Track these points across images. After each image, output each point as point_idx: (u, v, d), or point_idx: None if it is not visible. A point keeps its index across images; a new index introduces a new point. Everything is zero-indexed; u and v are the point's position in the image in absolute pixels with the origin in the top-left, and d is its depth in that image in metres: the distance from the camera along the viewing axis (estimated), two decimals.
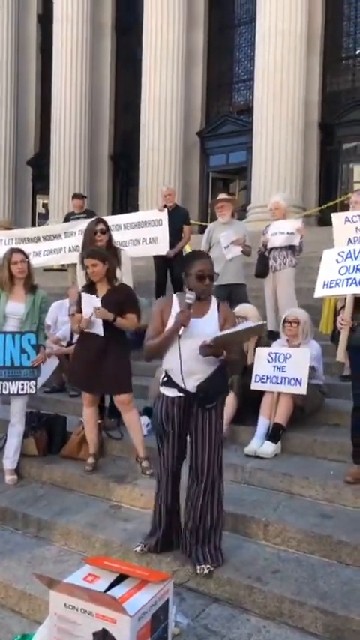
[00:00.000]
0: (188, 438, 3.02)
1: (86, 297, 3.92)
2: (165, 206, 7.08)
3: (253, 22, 12.69)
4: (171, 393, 2.98)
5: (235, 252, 5.85)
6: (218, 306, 3.05)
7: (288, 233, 5.79)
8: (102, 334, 3.87)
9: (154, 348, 3.03)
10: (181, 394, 2.95)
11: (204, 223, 11.46)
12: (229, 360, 2.99)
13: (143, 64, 13.19)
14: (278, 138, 11.13)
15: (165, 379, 3.02)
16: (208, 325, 2.93)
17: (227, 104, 14.93)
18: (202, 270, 2.94)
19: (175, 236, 6.94)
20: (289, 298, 5.78)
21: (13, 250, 4.27)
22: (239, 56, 14.82)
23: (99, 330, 3.87)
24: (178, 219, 7.03)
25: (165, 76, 12.82)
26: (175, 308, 2.99)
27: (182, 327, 2.85)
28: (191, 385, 2.93)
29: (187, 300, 2.89)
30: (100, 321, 3.85)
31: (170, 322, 2.95)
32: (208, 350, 2.84)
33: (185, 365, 2.89)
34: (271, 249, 5.87)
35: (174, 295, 3.13)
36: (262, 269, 5.97)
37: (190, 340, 2.88)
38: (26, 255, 4.27)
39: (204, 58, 14.79)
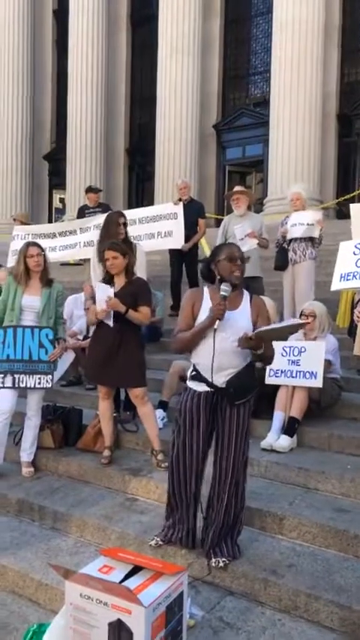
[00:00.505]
0: (215, 434, 2.98)
1: (102, 286, 3.92)
2: (180, 199, 7.06)
3: (269, 12, 12.55)
4: (199, 387, 2.94)
5: (251, 245, 5.81)
6: (251, 298, 3.00)
7: (308, 224, 5.72)
8: (111, 325, 3.86)
9: (185, 342, 2.96)
10: (209, 389, 2.91)
11: (220, 216, 11.41)
12: (265, 355, 2.91)
13: (159, 56, 13.12)
14: (295, 130, 11.02)
15: (193, 373, 2.97)
16: (241, 318, 2.88)
17: (243, 96, 14.81)
18: (231, 252, 2.92)
19: (191, 229, 6.92)
20: (307, 291, 5.73)
21: (29, 244, 4.30)
22: (256, 47, 14.68)
23: (109, 320, 3.87)
24: (193, 213, 7.01)
25: (181, 68, 12.75)
26: (207, 300, 2.95)
27: (218, 321, 2.79)
28: (221, 380, 2.88)
29: (223, 293, 2.83)
30: (110, 312, 3.85)
31: (202, 315, 2.91)
32: (248, 343, 2.77)
33: (218, 358, 2.84)
34: (290, 241, 5.82)
35: (205, 287, 3.07)
36: (282, 261, 5.92)
37: (223, 333, 2.83)
38: (42, 249, 4.29)
39: (220, 50, 14.69)
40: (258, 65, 14.62)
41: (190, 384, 2.99)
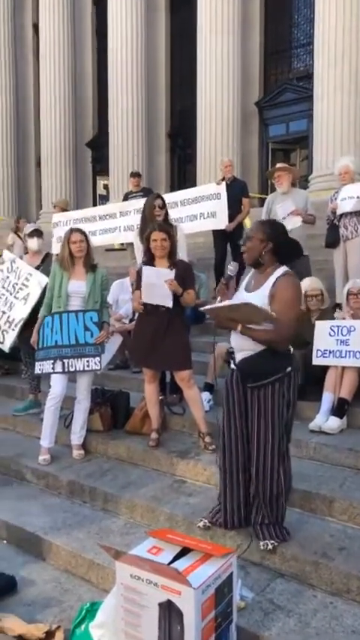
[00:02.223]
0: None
1: (153, 270, 3.88)
2: (223, 178, 6.97)
3: None
4: (232, 364, 2.98)
5: (295, 223, 5.65)
6: (278, 279, 2.85)
7: (358, 197, 5.52)
8: (170, 306, 3.85)
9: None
10: (234, 367, 2.95)
11: (264, 196, 11.20)
12: (258, 339, 2.78)
13: (198, 35, 12.89)
14: (340, 103, 10.61)
15: (230, 349, 3.02)
16: (255, 299, 2.78)
17: (286, 71, 14.40)
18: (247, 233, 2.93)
19: (235, 209, 6.82)
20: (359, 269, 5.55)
21: (72, 230, 4.35)
22: (298, 19, 14.21)
23: (169, 301, 3.85)
24: (237, 192, 6.91)
25: (221, 45, 12.47)
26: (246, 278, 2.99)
27: (218, 298, 2.84)
28: (238, 360, 2.91)
29: (228, 272, 2.85)
30: (170, 293, 3.84)
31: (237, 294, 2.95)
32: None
33: (234, 339, 2.88)
34: (341, 216, 5.63)
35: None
36: (333, 238, 5.74)
37: None
38: (86, 235, 4.33)
39: (261, 25, 14.28)
40: (300, 38, 14.16)
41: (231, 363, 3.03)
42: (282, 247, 2.90)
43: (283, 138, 14.53)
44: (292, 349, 2.95)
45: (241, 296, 2.87)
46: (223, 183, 6.84)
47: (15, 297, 5.22)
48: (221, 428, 3.02)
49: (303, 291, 4.45)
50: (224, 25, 12.46)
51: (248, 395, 2.88)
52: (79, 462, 4.25)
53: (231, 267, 2.82)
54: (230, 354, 2.99)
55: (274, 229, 2.92)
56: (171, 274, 3.84)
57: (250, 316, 2.75)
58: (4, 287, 5.32)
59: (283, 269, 2.87)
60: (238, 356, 2.91)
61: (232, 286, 2.87)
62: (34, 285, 5.13)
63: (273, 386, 2.81)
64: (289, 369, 2.84)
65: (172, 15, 16.21)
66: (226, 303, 2.80)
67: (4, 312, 5.26)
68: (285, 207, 5.70)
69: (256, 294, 2.85)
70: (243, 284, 2.99)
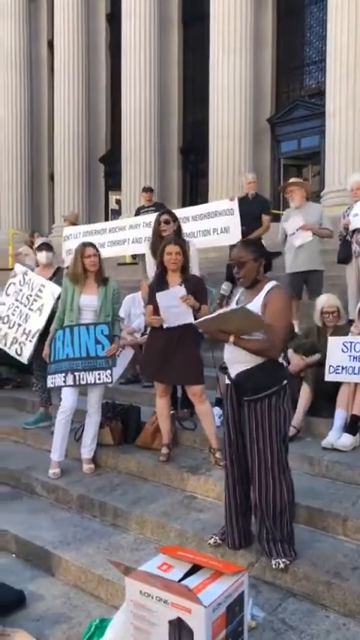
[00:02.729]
0: None
1: (164, 294, 3.87)
2: (247, 195, 7.12)
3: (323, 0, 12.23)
4: (227, 380, 2.97)
5: (305, 238, 5.64)
6: (269, 292, 2.86)
7: None
8: (193, 321, 3.81)
9: None
10: (229, 382, 2.94)
11: (277, 211, 11.23)
12: (250, 349, 2.77)
13: (211, 52, 13.04)
14: (352, 119, 10.66)
15: (223, 365, 3.01)
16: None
17: (298, 88, 14.51)
18: (232, 253, 2.95)
19: (255, 225, 6.89)
20: None
21: (85, 245, 4.38)
22: (310, 37, 14.34)
23: (190, 318, 3.83)
24: (258, 208, 6.98)
25: (233, 62, 12.61)
26: (234, 298, 3.03)
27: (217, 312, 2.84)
28: (233, 374, 2.90)
29: (221, 292, 2.86)
30: (188, 309, 3.85)
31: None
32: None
33: (228, 352, 2.89)
34: (354, 232, 5.63)
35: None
36: (345, 254, 5.74)
37: None
38: (97, 249, 4.36)
39: (273, 42, 14.43)
40: (312, 55, 14.28)
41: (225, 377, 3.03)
42: (270, 259, 2.98)
43: (295, 154, 14.60)
44: (284, 362, 3.00)
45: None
46: (236, 199, 6.88)
47: (30, 308, 5.26)
48: (224, 445, 3.01)
49: (319, 308, 4.45)
50: (236, 43, 12.61)
51: (245, 409, 2.85)
52: (89, 476, 4.23)
53: (224, 287, 2.85)
54: (224, 368, 2.97)
55: (258, 246, 3.02)
56: (182, 290, 3.85)
57: (241, 325, 2.76)
58: (17, 299, 5.37)
59: (272, 282, 2.93)
60: (232, 369, 2.90)
61: (224, 305, 2.88)
62: (47, 296, 5.18)
63: (270, 399, 2.80)
64: (284, 381, 2.86)
65: (184, 30, 16.43)
66: (216, 313, 2.79)
67: (19, 325, 5.30)
68: (293, 223, 5.70)
69: (248, 306, 2.83)
70: (233, 302, 3.03)
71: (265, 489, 2.81)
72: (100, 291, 4.31)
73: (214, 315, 2.79)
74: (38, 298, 5.23)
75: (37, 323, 5.19)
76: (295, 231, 5.67)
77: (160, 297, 3.88)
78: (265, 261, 2.94)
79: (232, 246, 6.91)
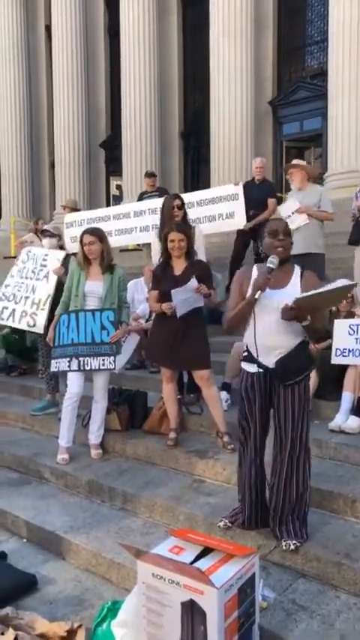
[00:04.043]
0: (272, 412, 2.94)
1: (179, 291, 3.83)
2: (253, 179, 7.14)
3: None
4: (251, 368, 2.90)
5: (300, 222, 5.59)
6: (302, 275, 2.89)
7: None
8: (202, 305, 3.93)
9: (231, 319, 2.96)
10: (260, 370, 2.87)
11: (279, 194, 11.14)
12: (313, 327, 2.83)
13: (211, 35, 12.85)
14: (355, 100, 10.53)
15: (245, 354, 2.95)
16: (288, 297, 2.77)
17: (300, 69, 14.31)
18: (272, 226, 2.86)
19: (261, 209, 6.87)
20: None
21: (84, 232, 4.35)
22: (312, 16, 14.11)
23: (200, 302, 3.91)
24: (265, 192, 6.95)
25: (234, 45, 12.42)
26: (254, 278, 2.89)
27: (259, 291, 2.76)
28: (271, 360, 2.84)
29: (270, 265, 2.78)
30: (199, 296, 3.87)
31: (249, 293, 2.87)
32: (290, 313, 2.71)
33: (261, 339, 2.80)
34: None
35: (254, 266, 3.02)
36: (357, 236, 5.68)
37: (268, 313, 2.79)
38: (99, 237, 4.30)
39: (274, 23, 14.17)
40: (314, 34, 14.05)
41: (243, 365, 2.97)
42: None
43: (297, 136, 14.45)
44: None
45: (268, 293, 2.81)
46: (240, 184, 6.83)
47: (37, 279, 5.31)
48: (241, 431, 3.00)
49: None
50: (236, 26, 12.40)
51: (280, 394, 2.84)
52: (97, 461, 4.25)
53: (274, 260, 2.78)
54: (250, 357, 2.90)
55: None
56: (194, 282, 3.82)
57: (334, 301, 2.88)
58: (22, 277, 5.42)
59: (297, 265, 2.97)
60: (271, 357, 2.83)
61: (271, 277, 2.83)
62: (52, 261, 5.23)
63: (306, 380, 2.89)
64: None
65: (184, 14, 16.17)
66: (325, 289, 2.75)
67: (27, 297, 5.31)
68: (287, 207, 5.65)
69: (285, 290, 2.82)
70: (252, 283, 2.91)
71: (293, 471, 2.85)
72: (105, 278, 4.29)
73: (319, 290, 2.74)
74: (43, 267, 5.28)
75: (45, 290, 5.22)
76: (290, 214, 5.62)
77: (176, 294, 3.84)
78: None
79: (239, 231, 6.92)
